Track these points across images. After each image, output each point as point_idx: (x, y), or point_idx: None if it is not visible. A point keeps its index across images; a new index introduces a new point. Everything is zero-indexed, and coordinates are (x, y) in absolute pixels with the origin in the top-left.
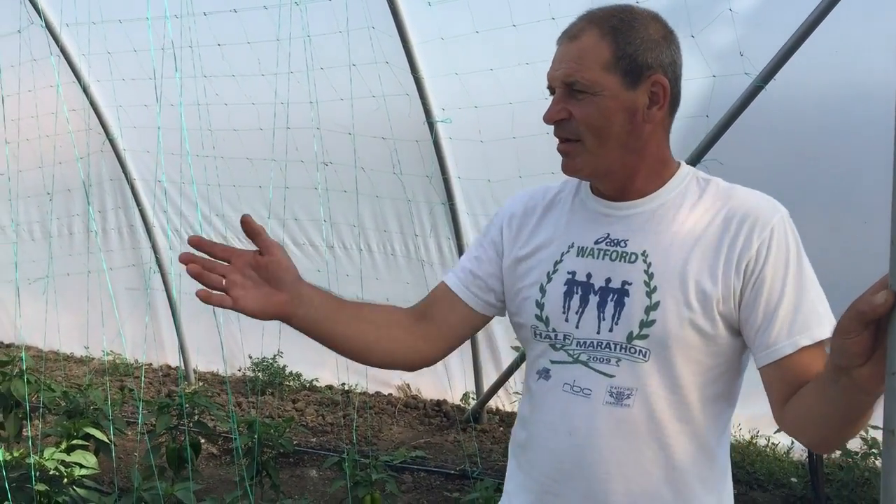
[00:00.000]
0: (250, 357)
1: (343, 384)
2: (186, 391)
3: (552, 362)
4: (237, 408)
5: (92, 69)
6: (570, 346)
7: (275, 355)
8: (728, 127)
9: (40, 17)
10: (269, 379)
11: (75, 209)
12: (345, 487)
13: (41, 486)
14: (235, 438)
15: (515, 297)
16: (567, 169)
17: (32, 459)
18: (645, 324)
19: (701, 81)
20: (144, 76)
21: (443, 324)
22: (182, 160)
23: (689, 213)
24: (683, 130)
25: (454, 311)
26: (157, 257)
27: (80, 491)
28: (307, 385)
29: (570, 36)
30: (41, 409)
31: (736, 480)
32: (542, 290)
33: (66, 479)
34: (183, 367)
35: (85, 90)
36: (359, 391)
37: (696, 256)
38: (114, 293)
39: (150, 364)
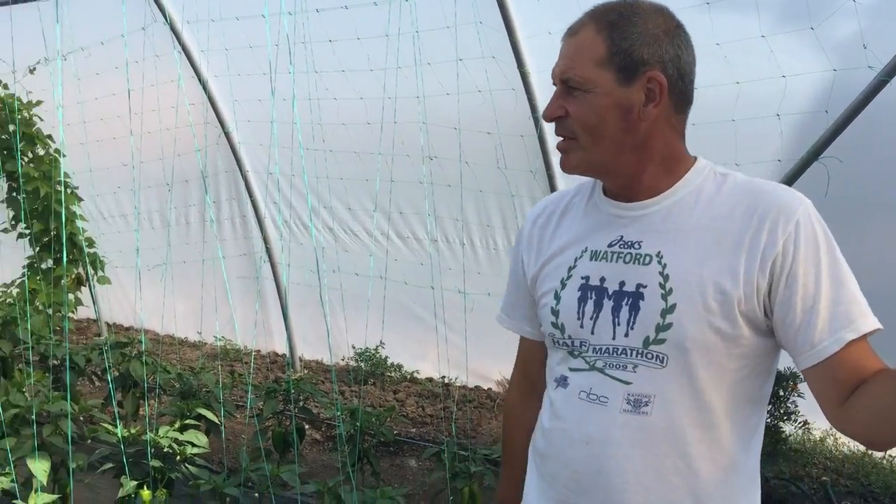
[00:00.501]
0: (353, 347)
1: (443, 377)
2: (292, 378)
3: (570, 370)
4: (340, 396)
5: (210, 65)
6: (586, 353)
7: (377, 346)
8: (849, 123)
9: (164, 15)
10: (371, 369)
11: (192, 199)
12: (443, 478)
13: (156, 462)
14: (339, 425)
15: (537, 306)
16: (563, 166)
17: (148, 437)
18: (661, 328)
19: (820, 75)
20: (259, 71)
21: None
22: (293, 153)
23: (705, 210)
24: (799, 126)
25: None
26: (267, 247)
27: (192, 468)
28: (408, 376)
29: (570, 31)
30: (157, 390)
31: (849, 493)
32: (557, 297)
33: (178, 457)
34: (289, 355)
35: (203, 85)
36: (458, 384)
37: (715, 255)
38: (226, 281)
39: (259, 350)
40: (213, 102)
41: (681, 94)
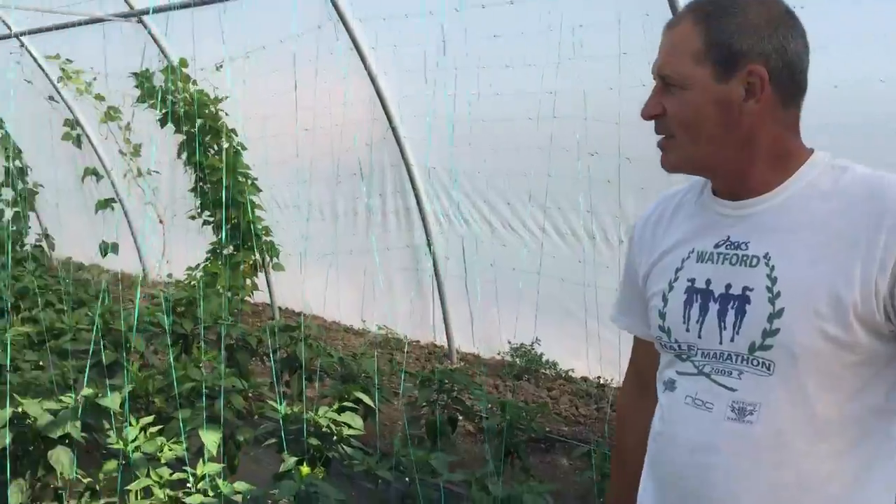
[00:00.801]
0: (509, 342)
1: (598, 377)
2: (449, 369)
3: (678, 373)
4: (494, 390)
5: (379, 61)
6: (695, 357)
7: (532, 342)
8: None
9: (338, 13)
10: (525, 365)
11: (359, 192)
12: (593, 479)
13: (314, 441)
14: (486, 417)
15: (647, 308)
16: (664, 165)
17: (305, 416)
18: (768, 333)
19: None
20: (425, 67)
21: None
22: (455, 148)
23: (818, 208)
24: None
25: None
26: (428, 240)
27: (347, 449)
28: (563, 374)
29: (669, 24)
30: (320, 373)
31: None
32: (664, 300)
33: (335, 437)
34: (447, 346)
35: (373, 81)
36: (614, 385)
37: (828, 256)
38: (389, 272)
39: (418, 341)
40: (382, 98)
41: (788, 87)
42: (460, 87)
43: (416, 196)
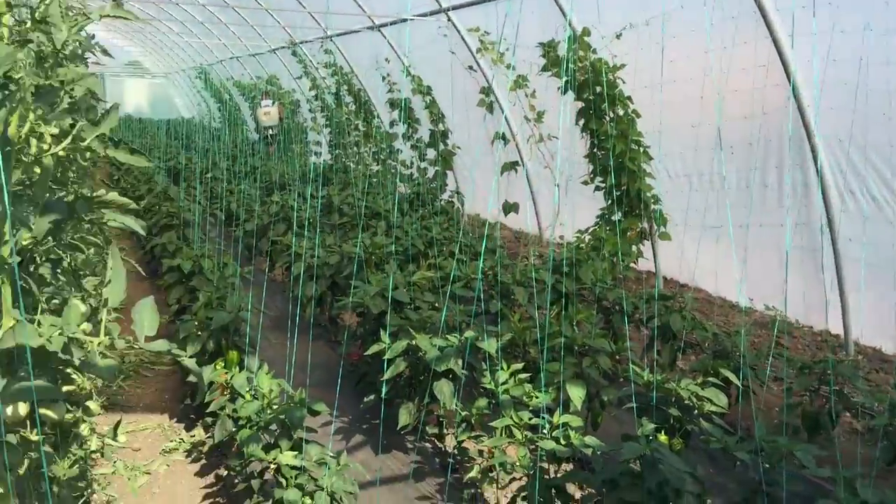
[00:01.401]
0: None
1: None
2: (837, 359)
3: None
4: (894, 390)
5: (783, 24)
6: None
7: None
8: None
9: None
10: None
11: (754, 163)
12: None
13: (675, 412)
14: (873, 416)
15: None
16: None
17: (670, 386)
18: None
19: None
20: (836, 30)
21: None
22: (866, 119)
23: None
24: None
25: None
26: (828, 218)
27: (706, 424)
28: None
29: None
30: (692, 346)
31: None
32: None
33: (696, 411)
34: (842, 336)
35: (776, 46)
36: None
37: None
38: (781, 250)
39: (811, 327)
40: (785, 63)
41: None
42: (876, 53)
43: (818, 169)
